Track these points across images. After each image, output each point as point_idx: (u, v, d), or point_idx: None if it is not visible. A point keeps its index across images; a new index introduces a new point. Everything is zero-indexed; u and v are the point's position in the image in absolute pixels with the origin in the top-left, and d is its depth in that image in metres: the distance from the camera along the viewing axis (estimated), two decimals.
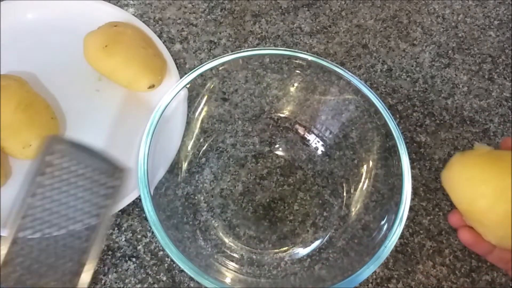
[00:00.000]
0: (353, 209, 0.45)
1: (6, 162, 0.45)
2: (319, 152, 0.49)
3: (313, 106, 0.49)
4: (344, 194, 0.47)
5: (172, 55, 0.53)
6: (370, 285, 0.44)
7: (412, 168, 0.50)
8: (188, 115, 0.46)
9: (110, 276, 0.43)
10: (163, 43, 0.54)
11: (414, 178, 0.50)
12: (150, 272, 0.43)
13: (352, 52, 0.58)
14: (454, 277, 0.45)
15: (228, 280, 0.40)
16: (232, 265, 0.42)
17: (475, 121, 0.55)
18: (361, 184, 0.45)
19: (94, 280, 0.42)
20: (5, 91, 0.44)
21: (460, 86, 0.57)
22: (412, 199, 0.46)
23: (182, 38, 0.57)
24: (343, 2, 0.63)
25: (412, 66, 0.58)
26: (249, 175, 0.48)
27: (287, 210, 0.47)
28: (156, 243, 0.44)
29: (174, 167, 0.44)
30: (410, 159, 0.39)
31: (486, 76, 0.58)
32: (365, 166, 0.46)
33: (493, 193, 0.27)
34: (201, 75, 0.44)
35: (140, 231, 0.45)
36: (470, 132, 0.54)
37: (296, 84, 0.48)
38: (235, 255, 0.43)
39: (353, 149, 0.47)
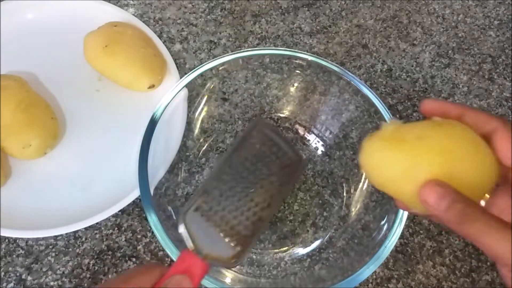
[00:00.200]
0: (353, 209, 0.45)
1: (6, 162, 0.45)
2: (319, 152, 0.49)
3: (313, 106, 0.49)
4: (344, 194, 0.47)
5: (172, 55, 0.53)
6: (370, 285, 0.44)
7: None
8: (188, 115, 0.46)
9: (110, 276, 0.43)
10: (163, 43, 0.54)
11: None
12: None
13: (352, 52, 0.58)
14: (454, 277, 0.45)
15: (228, 280, 0.40)
16: None
17: None
18: (361, 184, 0.45)
19: (94, 280, 0.42)
20: (5, 91, 0.44)
21: (460, 86, 0.57)
22: None
23: (182, 38, 0.57)
24: (343, 2, 0.63)
25: (412, 66, 0.58)
26: None
27: (287, 210, 0.47)
28: (156, 243, 0.44)
29: (174, 167, 0.44)
30: None
31: (486, 76, 0.58)
32: None
33: (398, 177, 0.27)
34: (201, 75, 0.44)
35: (140, 231, 0.45)
36: None
37: (296, 84, 0.48)
38: None
39: (353, 149, 0.47)
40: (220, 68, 0.45)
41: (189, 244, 0.32)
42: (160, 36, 0.55)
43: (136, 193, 0.43)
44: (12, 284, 0.41)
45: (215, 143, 0.49)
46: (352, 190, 0.46)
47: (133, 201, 0.44)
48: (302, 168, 0.44)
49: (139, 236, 0.45)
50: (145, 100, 0.51)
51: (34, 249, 0.43)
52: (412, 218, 0.48)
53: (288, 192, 0.47)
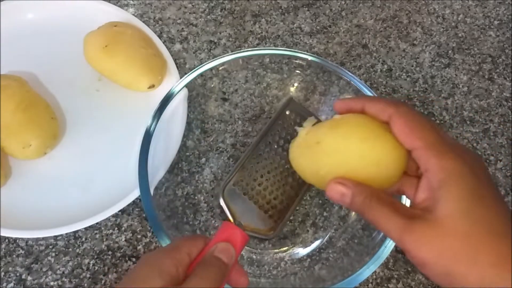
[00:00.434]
0: None
1: (6, 162, 0.45)
2: None
3: (313, 106, 0.49)
4: None
5: (172, 55, 0.53)
6: (370, 285, 0.44)
7: None
8: (188, 115, 0.46)
9: (110, 276, 0.43)
10: (163, 43, 0.54)
11: None
12: None
13: (352, 52, 0.58)
14: None
15: None
16: None
17: (475, 121, 0.55)
18: None
19: (94, 280, 0.42)
20: (5, 91, 0.44)
21: (460, 86, 0.57)
22: None
23: (182, 38, 0.57)
24: (343, 2, 0.63)
25: (412, 66, 0.58)
26: None
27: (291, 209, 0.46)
28: (156, 243, 0.44)
29: (174, 167, 0.44)
30: None
31: (486, 76, 0.58)
32: None
33: (313, 179, 0.32)
34: (201, 75, 0.44)
35: (140, 231, 0.45)
36: (470, 132, 0.54)
37: (296, 84, 0.48)
38: None
39: None
40: (220, 68, 0.45)
41: (228, 216, 0.34)
42: (160, 36, 0.55)
43: (136, 193, 0.43)
44: (12, 284, 0.41)
45: (215, 143, 0.49)
46: None
47: (133, 201, 0.44)
48: None
49: (139, 236, 0.45)
50: (145, 100, 0.51)
51: (34, 249, 0.43)
52: None
53: None
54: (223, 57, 0.44)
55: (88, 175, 0.47)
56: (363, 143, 0.29)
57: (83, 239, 0.44)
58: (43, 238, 0.43)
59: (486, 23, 0.63)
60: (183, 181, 0.46)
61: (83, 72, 0.51)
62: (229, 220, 0.34)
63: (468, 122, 0.55)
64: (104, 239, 0.44)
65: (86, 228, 0.44)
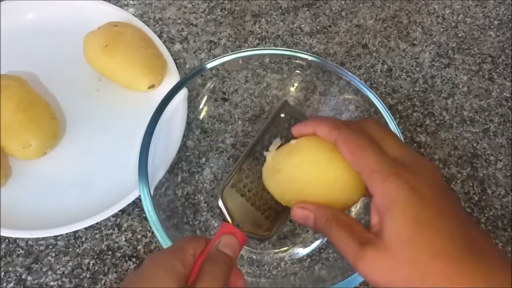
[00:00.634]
0: (353, 209, 0.45)
1: (6, 162, 0.45)
2: None
3: (313, 106, 0.49)
4: None
5: (172, 55, 0.53)
6: (370, 285, 0.44)
7: None
8: (188, 115, 0.46)
9: (110, 276, 0.43)
10: (163, 43, 0.54)
11: None
12: None
13: (352, 52, 0.58)
14: None
15: None
16: None
17: (475, 121, 0.55)
18: None
19: (94, 280, 0.42)
20: (5, 91, 0.44)
21: (460, 86, 0.57)
22: None
23: (182, 38, 0.57)
24: (343, 2, 0.63)
25: (412, 66, 0.58)
26: None
27: (287, 210, 0.46)
28: (156, 243, 0.44)
29: (174, 167, 0.44)
30: None
31: (486, 76, 0.58)
32: None
33: (282, 201, 0.33)
34: (201, 75, 0.44)
35: (140, 231, 0.45)
36: (470, 132, 0.54)
37: (296, 84, 0.48)
38: None
39: None
40: (220, 68, 0.45)
41: (227, 217, 0.35)
42: (160, 36, 0.55)
43: (136, 193, 0.43)
44: (12, 284, 0.41)
45: (215, 143, 0.49)
46: None
47: (133, 201, 0.44)
48: None
49: (139, 236, 0.45)
50: (145, 100, 0.51)
51: (34, 249, 0.43)
52: None
53: None
54: (223, 57, 0.44)
55: (88, 175, 0.47)
56: (316, 167, 0.30)
57: (83, 239, 0.44)
58: (43, 238, 0.43)
59: (486, 23, 0.63)
60: (183, 181, 0.46)
61: (83, 72, 0.51)
62: (228, 222, 0.35)
63: (468, 122, 0.55)
64: (104, 239, 0.44)
65: (86, 228, 0.44)
